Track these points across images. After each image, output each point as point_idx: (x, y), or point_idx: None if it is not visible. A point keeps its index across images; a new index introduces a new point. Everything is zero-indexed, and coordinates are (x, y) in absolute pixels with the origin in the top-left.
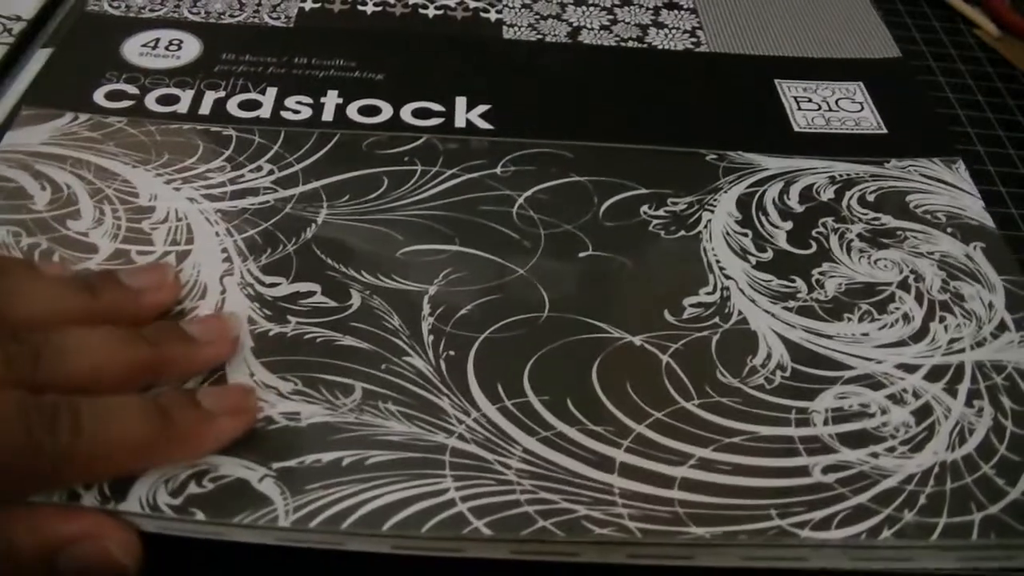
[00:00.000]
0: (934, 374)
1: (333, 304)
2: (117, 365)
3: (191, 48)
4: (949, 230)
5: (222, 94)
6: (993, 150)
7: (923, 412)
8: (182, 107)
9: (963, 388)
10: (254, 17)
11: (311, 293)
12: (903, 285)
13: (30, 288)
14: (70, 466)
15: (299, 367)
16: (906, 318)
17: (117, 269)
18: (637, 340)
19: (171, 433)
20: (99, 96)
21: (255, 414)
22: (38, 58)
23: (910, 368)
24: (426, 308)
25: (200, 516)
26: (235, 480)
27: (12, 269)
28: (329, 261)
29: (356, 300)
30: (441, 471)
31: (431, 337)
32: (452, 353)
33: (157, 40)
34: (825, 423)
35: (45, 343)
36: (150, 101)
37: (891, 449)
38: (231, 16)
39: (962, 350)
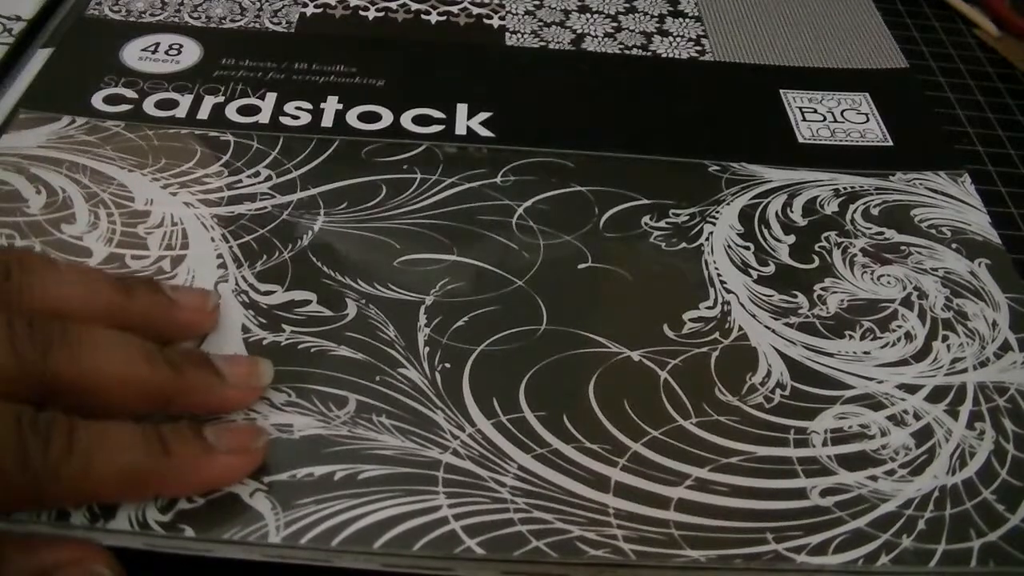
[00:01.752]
0: (935, 395)
1: (328, 313)
2: (132, 379)
3: (191, 53)
4: (954, 246)
5: (221, 99)
6: (993, 150)
7: (924, 434)
8: (180, 111)
9: (965, 410)
10: (255, 22)
11: (306, 302)
12: (906, 302)
13: (60, 277)
14: (56, 487)
15: (292, 377)
16: (908, 337)
17: (161, 280)
18: (635, 355)
19: (167, 464)
20: (97, 100)
21: (261, 456)
22: (38, 58)
23: (911, 388)
24: (422, 319)
25: (189, 532)
26: (225, 494)
27: (47, 262)
28: (325, 269)
29: (352, 309)
30: (434, 488)
31: (427, 349)
32: (448, 366)
33: (157, 44)
34: (824, 444)
35: (62, 334)
36: (148, 105)
37: (890, 472)
38: (232, 21)
39: (964, 370)
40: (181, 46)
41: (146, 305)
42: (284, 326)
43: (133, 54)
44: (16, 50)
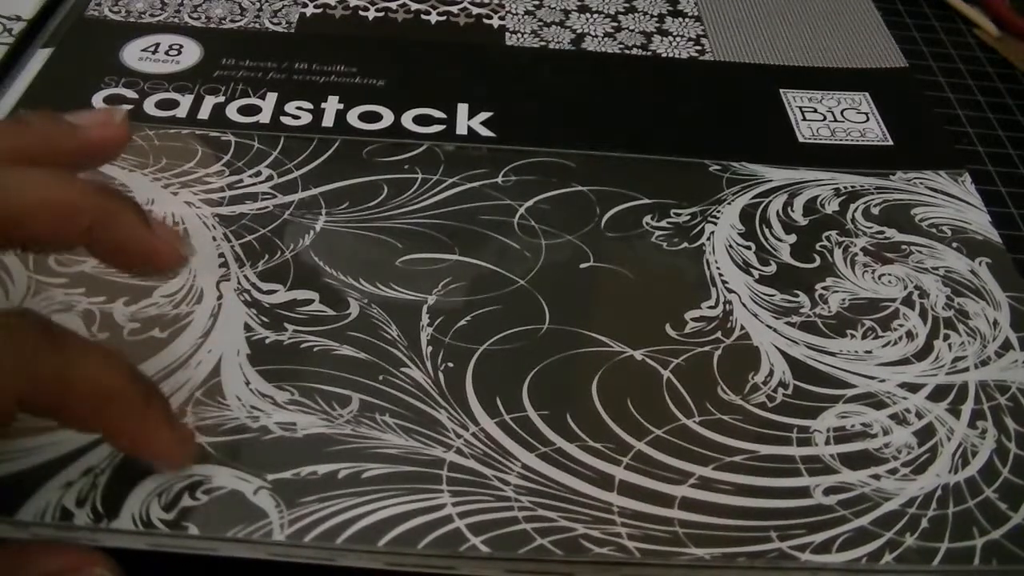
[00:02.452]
0: (937, 394)
1: (331, 312)
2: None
3: (191, 53)
4: (954, 244)
5: (221, 99)
6: (993, 150)
7: (926, 433)
8: (181, 112)
9: (966, 409)
10: (255, 23)
11: (309, 301)
12: (907, 301)
13: None
14: None
15: (295, 376)
16: (910, 335)
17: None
18: (638, 354)
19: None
20: (97, 100)
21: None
22: (38, 58)
23: (913, 387)
24: (425, 318)
25: (194, 530)
26: (229, 492)
27: None
28: (327, 269)
29: (354, 309)
30: (438, 486)
31: (429, 348)
32: (451, 365)
33: (157, 45)
34: (827, 443)
35: None
36: (149, 106)
37: (893, 471)
38: (232, 21)
39: (966, 369)
40: (181, 46)
41: (46, 132)
42: (287, 325)
43: (133, 54)
44: (16, 50)
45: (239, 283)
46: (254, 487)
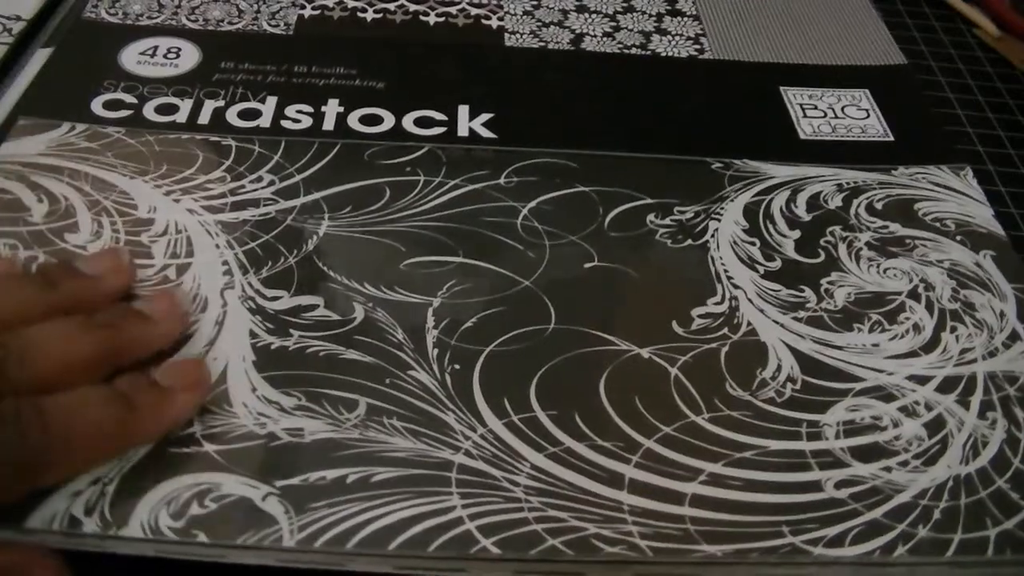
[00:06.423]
0: (946, 385)
1: (336, 317)
2: (81, 356)
3: (190, 56)
4: (958, 238)
5: (221, 103)
6: (993, 150)
7: (936, 425)
8: (181, 116)
9: (976, 400)
10: (253, 25)
11: (313, 306)
12: (913, 294)
13: None
14: (46, 463)
15: (302, 382)
16: (916, 328)
17: (73, 256)
18: (645, 352)
19: (135, 416)
20: (97, 105)
21: (209, 384)
22: (37, 58)
23: (922, 380)
24: (430, 321)
25: (203, 538)
26: (238, 499)
27: None
28: (331, 273)
29: (359, 313)
30: (448, 488)
31: (436, 351)
32: (457, 367)
33: (155, 48)
34: (837, 437)
35: (6, 351)
36: (148, 111)
37: (904, 463)
38: (230, 23)
39: (974, 360)
40: (179, 49)
41: (70, 291)
42: (292, 331)
43: (131, 58)
44: (16, 50)
45: (243, 290)
46: (263, 493)
